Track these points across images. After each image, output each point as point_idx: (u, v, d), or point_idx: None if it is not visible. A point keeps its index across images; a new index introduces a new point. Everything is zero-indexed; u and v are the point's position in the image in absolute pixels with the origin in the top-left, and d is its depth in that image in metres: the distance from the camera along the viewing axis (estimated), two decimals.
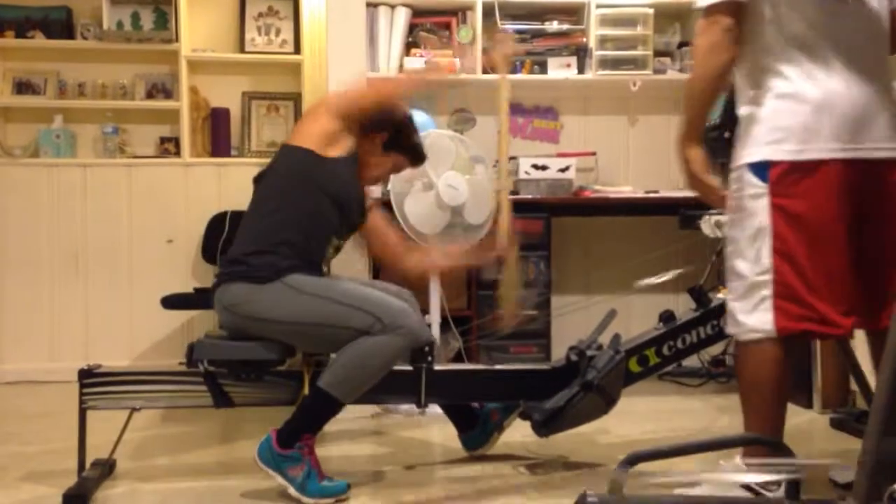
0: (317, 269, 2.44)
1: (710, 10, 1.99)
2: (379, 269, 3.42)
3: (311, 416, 2.32)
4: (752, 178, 1.98)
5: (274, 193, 2.42)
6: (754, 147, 1.99)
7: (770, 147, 1.96)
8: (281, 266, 2.33)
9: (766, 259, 1.96)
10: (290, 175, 2.42)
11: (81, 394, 2.38)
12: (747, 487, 2.01)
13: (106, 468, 2.45)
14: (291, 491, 2.24)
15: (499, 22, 3.94)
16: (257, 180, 2.50)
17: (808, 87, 1.93)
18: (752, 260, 1.98)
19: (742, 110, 2.06)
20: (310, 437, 2.29)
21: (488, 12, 3.94)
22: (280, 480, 2.25)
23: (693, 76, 2.09)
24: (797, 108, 1.94)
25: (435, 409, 2.80)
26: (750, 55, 2.03)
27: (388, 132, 2.54)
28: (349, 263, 3.17)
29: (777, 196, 1.94)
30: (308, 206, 2.39)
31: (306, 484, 2.23)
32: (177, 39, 4.11)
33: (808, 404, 3.25)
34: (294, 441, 2.26)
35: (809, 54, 1.95)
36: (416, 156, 2.65)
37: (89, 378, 2.40)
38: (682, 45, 4.13)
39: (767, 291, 1.96)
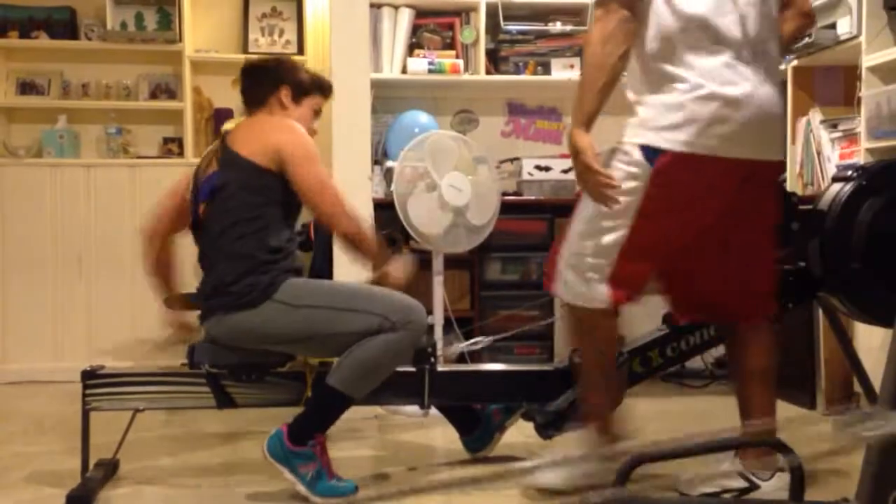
0: (297, 275, 2.41)
1: (605, 0, 2.01)
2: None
3: (323, 413, 2.32)
4: (639, 159, 2.02)
5: (243, 212, 2.32)
6: (648, 132, 2.02)
7: (662, 134, 2.00)
8: (264, 283, 2.28)
9: (619, 236, 2.04)
10: (257, 194, 2.33)
11: (84, 395, 2.39)
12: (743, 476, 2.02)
13: (109, 469, 2.45)
14: (300, 488, 2.24)
15: (502, 23, 3.94)
16: (216, 191, 2.36)
17: (706, 85, 1.96)
18: (605, 232, 2.05)
19: (633, 94, 2.10)
20: (321, 435, 2.29)
21: (492, 13, 3.94)
22: (289, 476, 2.24)
23: (585, 66, 2.10)
24: (694, 106, 1.97)
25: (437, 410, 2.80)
26: (645, 48, 2.05)
27: (286, 84, 2.49)
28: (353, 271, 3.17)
29: (656, 184, 2.00)
30: (278, 225, 2.36)
31: (316, 482, 2.24)
32: (180, 40, 4.11)
33: (812, 405, 3.24)
34: (306, 438, 2.26)
35: (709, 53, 1.99)
36: (322, 86, 2.58)
37: (92, 379, 2.40)
38: None
39: (607, 264, 2.06)
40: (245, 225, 2.31)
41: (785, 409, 3.34)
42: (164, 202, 2.61)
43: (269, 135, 2.37)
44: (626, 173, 2.03)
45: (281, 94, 2.49)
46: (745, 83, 1.98)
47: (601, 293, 2.08)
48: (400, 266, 2.46)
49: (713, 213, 2.06)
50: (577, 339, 2.27)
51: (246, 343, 2.33)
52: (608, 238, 2.05)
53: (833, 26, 3.20)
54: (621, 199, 2.00)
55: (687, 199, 2.03)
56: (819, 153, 3.40)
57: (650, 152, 2.00)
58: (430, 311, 3.15)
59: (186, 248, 2.45)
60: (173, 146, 4.22)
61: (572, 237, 2.14)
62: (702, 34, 1.98)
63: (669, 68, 2.00)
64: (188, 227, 2.50)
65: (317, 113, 2.59)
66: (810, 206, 2.58)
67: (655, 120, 2.01)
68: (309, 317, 2.28)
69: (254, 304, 2.27)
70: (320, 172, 2.39)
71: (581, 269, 2.10)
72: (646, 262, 2.09)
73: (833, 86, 3.51)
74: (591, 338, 2.18)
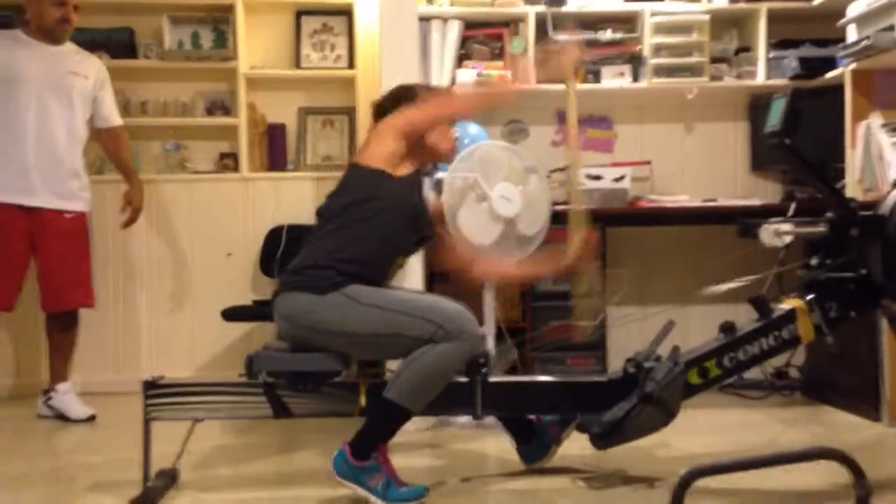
0: (375, 285, 2.46)
1: None
2: (433, 282, 3.43)
3: (384, 427, 2.37)
4: None
5: (342, 211, 2.44)
6: None
7: None
8: (338, 279, 2.36)
9: None
10: (360, 193, 2.44)
11: (146, 405, 2.44)
12: None
13: (169, 478, 2.50)
14: (374, 500, 2.29)
15: (551, 32, 3.93)
16: (330, 198, 2.53)
17: None
18: None
19: None
20: (382, 446, 2.34)
21: (541, 23, 3.94)
22: (360, 492, 2.29)
23: None
24: None
25: (491, 420, 2.79)
26: None
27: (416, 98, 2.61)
28: (404, 276, 3.19)
29: None
30: (379, 223, 2.42)
31: (387, 492, 2.29)
32: (235, 57, 4.20)
33: (877, 417, 3.15)
34: (369, 452, 2.31)
35: None
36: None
37: (153, 389, 2.46)
38: (739, 51, 4.06)
39: None
40: (339, 221, 2.42)
41: (849, 420, 3.26)
42: None
43: (380, 136, 2.52)
44: None
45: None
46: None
47: None
48: (565, 55, 2.75)
49: None
50: None
51: (301, 326, 2.37)
52: None
53: (891, 28, 3.12)
54: None
55: None
56: (880, 158, 3.31)
57: None
58: (481, 322, 3.16)
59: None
60: (229, 161, 4.31)
61: None
62: None
63: None
64: None
65: (442, 139, 2.64)
66: (871, 212, 2.52)
67: None
68: (368, 314, 2.33)
69: (321, 290, 2.34)
70: (409, 111, 2.53)
71: None
72: None
73: (893, 89, 3.42)
74: None
